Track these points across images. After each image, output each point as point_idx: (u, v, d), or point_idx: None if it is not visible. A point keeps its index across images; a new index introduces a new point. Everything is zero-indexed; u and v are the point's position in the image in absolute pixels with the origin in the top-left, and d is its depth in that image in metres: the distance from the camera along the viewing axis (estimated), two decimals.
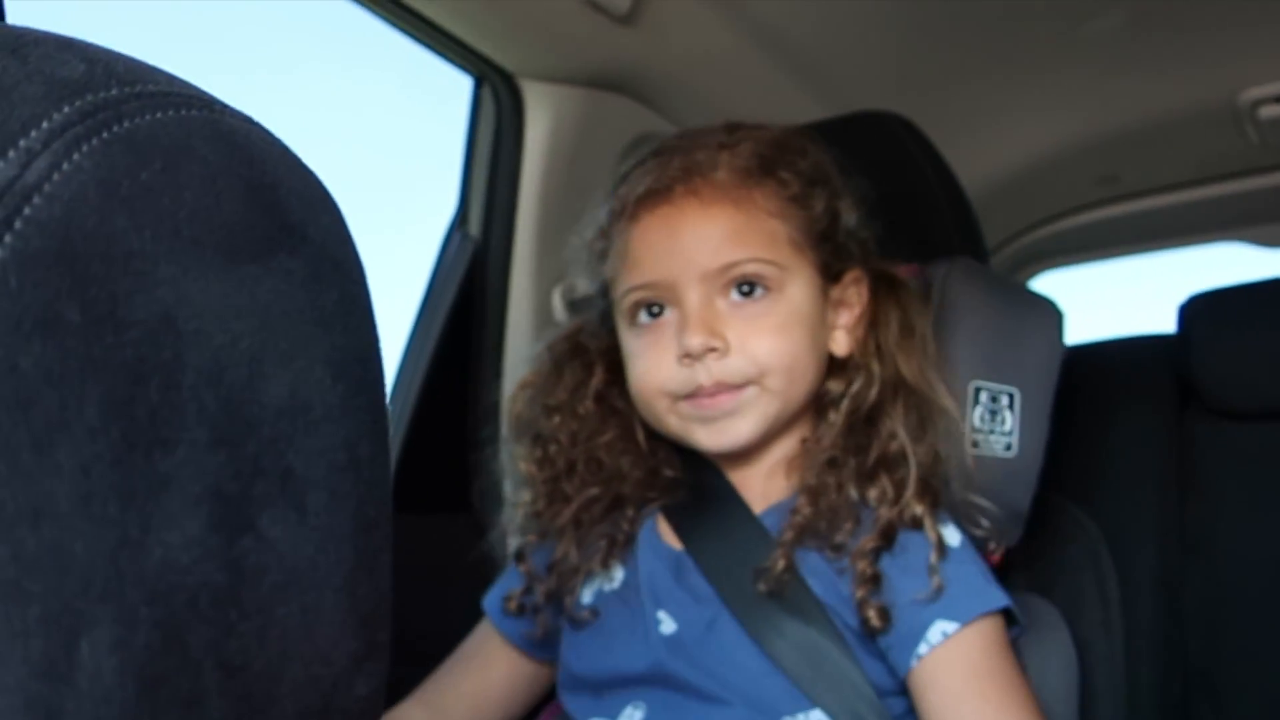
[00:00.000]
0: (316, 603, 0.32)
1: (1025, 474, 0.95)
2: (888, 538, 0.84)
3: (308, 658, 0.32)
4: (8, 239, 0.26)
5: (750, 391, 0.85)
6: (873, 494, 0.85)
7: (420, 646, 1.02)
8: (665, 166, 0.88)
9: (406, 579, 0.42)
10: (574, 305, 1.28)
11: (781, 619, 0.84)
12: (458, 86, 1.31)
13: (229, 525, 0.29)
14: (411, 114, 1.57)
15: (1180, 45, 1.48)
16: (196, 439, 0.28)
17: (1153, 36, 1.45)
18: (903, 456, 0.86)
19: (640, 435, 0.95)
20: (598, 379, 0.96)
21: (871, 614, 0.81)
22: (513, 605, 0.95)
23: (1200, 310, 1.19)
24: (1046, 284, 2.28)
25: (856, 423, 0.88)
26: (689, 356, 0.84)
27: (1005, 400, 0.94)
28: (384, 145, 1.57)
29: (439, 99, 1.38)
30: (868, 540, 0.83)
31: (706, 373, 0.84)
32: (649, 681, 0.87)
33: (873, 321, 0.91)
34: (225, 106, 0.32)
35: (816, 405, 0.91)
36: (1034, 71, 1.57)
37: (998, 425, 0.94)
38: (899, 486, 0.85)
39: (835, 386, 0.90)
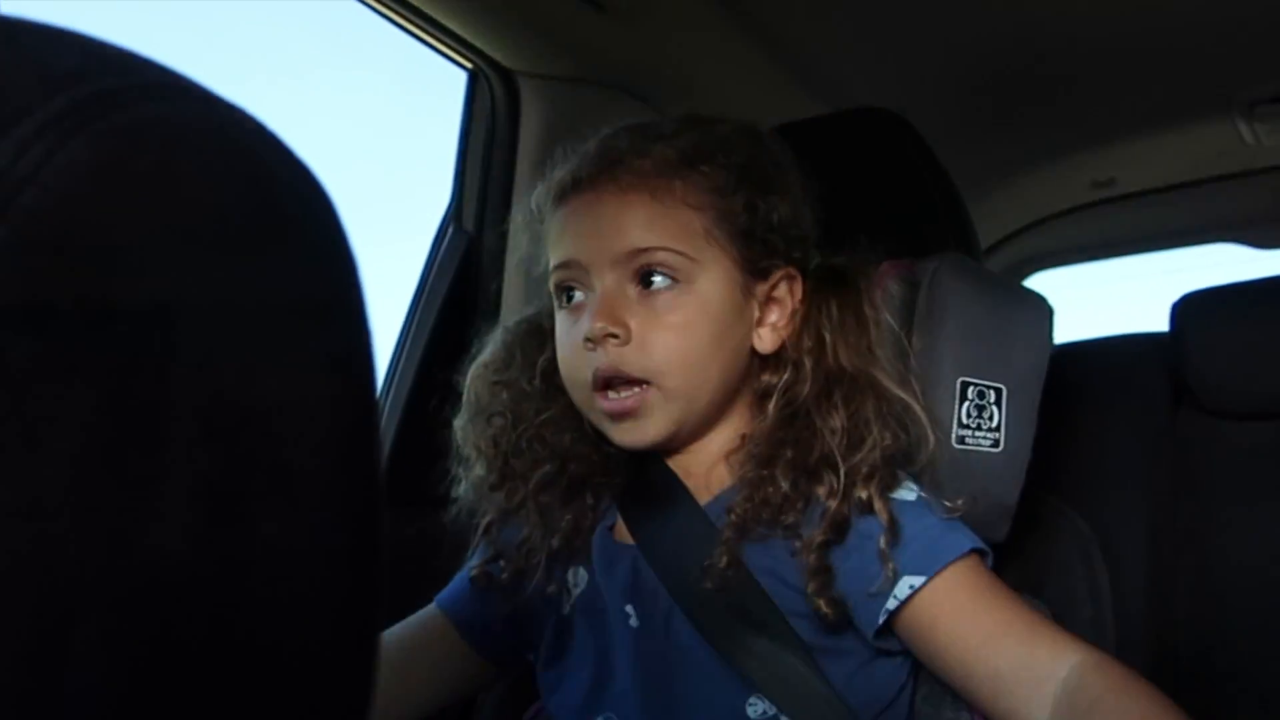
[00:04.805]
0: (307, 597, 0.32)
1: (1012, 470, 0.95)
2: (838, 530, 0.83)
3: (298, 652, 0.32)
4: (0, 229, 0.26)
5: (652, 394, 0.85)
6: (820, 490, 0.84)
7: None
8: (590, 155, 0.89)
9: (398, 573, 0.42)
10: None
11: (740, 630, 0.84)
12: (452, 81, 1.31)
13: (220, 519, 0.29)
14: (406, 109, 1.57)
15: (1177, 46, 1.49)
16: (188, 432, 0.28)
17: (1149, 37, 1.46)
18: (853, 448, 0.84)
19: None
20: (545, 356, 0.95)
21: (823, 606, 0.81)
22: (479, 574, 0.95)
23: (1193, 309, 1.20)
24: (1040, 283, 2.29)
25: (793, 416, 0.87)
26: (589, 340, 0.85)
27: (992, 396, 0.94)
28: (379, 140, 1.57)
29: (434, 94, 1.38)
30: (817, 533, 0.82)
31: (605, 358, 0.84)
32: (625, 679, 0.87)
33: (805, 316, 0.90)
34: (220, 99, 0.32)
35: (757, 398, 0.91)
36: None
37: (984, 421, 0.94)
38: (847, 480, 0.83)
39: (770, 379, 0.89)
